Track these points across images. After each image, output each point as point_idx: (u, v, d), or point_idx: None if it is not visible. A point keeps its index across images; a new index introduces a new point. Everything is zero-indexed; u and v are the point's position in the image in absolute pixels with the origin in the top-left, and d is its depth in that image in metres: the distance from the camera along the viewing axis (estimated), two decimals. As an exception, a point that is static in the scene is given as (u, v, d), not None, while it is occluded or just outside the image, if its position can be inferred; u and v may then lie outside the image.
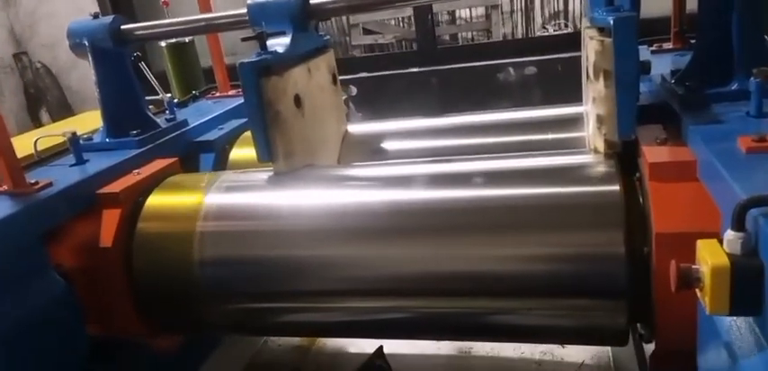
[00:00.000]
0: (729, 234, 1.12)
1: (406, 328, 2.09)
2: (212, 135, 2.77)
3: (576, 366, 2.52)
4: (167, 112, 2.85)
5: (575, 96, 2.51)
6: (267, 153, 2.10)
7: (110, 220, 2.10)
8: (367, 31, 8.92)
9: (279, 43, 2.22)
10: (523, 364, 2.60)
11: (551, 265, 1.77)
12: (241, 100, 3.20)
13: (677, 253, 1.22)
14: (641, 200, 1.73)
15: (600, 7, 1.84)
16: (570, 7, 9.60)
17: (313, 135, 2.37)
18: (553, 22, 9.76)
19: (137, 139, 2.47)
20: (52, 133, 2.57)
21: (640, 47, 1.90)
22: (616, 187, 1.74)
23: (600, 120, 1.86)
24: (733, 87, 1.87)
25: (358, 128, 2.80)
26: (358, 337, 2.64)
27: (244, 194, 2.18)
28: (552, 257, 1.77)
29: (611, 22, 1.67)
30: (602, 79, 1.80)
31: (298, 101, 2.23)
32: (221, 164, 2.72)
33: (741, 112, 1.70)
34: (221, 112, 3.03)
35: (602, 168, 1.84)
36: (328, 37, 2.66)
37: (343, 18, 8.33)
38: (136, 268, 2.09)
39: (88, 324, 2.05)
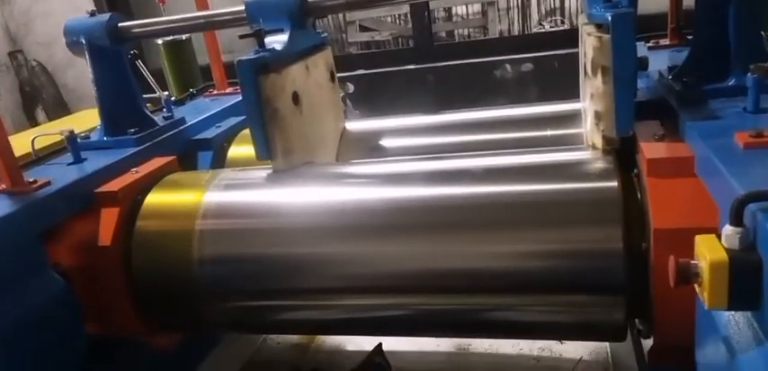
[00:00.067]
0: (727, 229, 1.13)
1: (405, 325, 2.09)
2: (210, 133, 2.77)
3: (575, 362, 2.53)
4: (165, 110, 2.84)
5: (571, 93, 2.51)
6: (266, 151, 2.10)
7: (108, 218, 2.10)
8: (363, 29, 8.91)
9: (277, 41, 2.21)
10: (522, 360, 2.61)
11: (550, 261, 1.78)
12: (239, 98, 3.21)
13: (675, 249, 1.22)
14: (639, 196, 1.73)
15: (598, 3, 1.84)
16: (566, 4, 9.60)
17: (311, 133, 2.36)
18: (549, 19, 9.76)
19: (134, 137, 2.46)
20: (50, 132, 2.56)
21: (637, 43, 1.90)
22: (614, 183, 1.75)
23: (598, 116, 1.87)
24: (730, 83, 1.87)
25: (356, 125, 2.80)
26: (357, 334, 2.65)
27: (242, 191, 2.17)
28: (550, 253, 1.77)
29: (609, 18, 1.67)
30: (599, 75, 1.80)
31: (296, 98, 2.23)
32: (219, 162, 2.71)
33: (738, 107, 1.71)
34: (219, 109, 3.02)
35: (600, 165, 1.84)
36: (326, 34, 2.66)
37: (340, 15, 8.32)
38: (135, 267, 2.09)
39: (87, 323, 2.05)
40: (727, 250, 1.11)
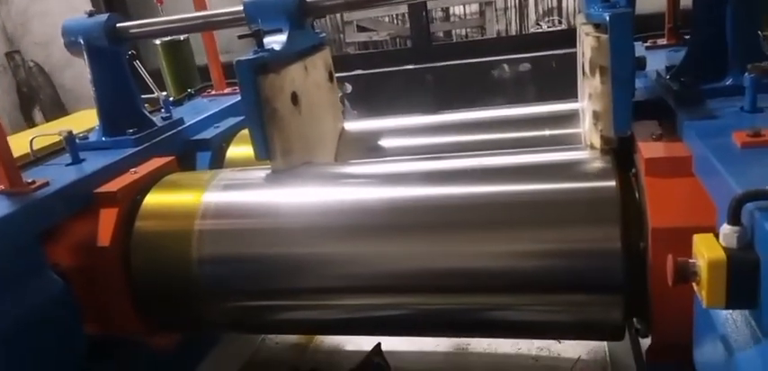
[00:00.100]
0: (725, 228, 1.13)
1: (404, 324, 2.10)
2: (209, 133, 2.77)
3: (573, 362, 2.54)
4: (163, 110, 2.84)
5: (569, 93, 2.52)
6: (265, 151, 2.10)
7: (107, 219, 2.10)
8: (361, 29, 8.91)
9: (275, 41, 2.21)
10: (520, 360, 2.62)
11: (548, 260, 1.78)
12: (237, 98, 3.21)
13: (673, 248, 1.23)
14: (637, 196, 1.74)
15: (596, 3, 1.85)
16: (564, 4, 9.62)
17: (310, 133, 2.37)
18: (547, 19, 9.78)
19: (133, 137, 2.46)
20: (48, 132, 2.56)
21: (635, 43, 1.91)
22: (612, 183, 1.75)
23: (596, 116, 1.88)
24: (727, 83, 1.88)
25: (354, 125, 2.81)
26: (356, 334, 2.65)
27: (242, 192, 2.18)
28: (549, 253, 1.78)
29: (608, 18, 1.68)
30: (598, 75, 1.81)
31: (295, 98, 2.24)
32: (218, 162, 2.71)
33: (736, 107, 1.71)
34: (217, 110, 3.02)
35: (598, 164, 1.85)
36: (324, 34, 2.67)
37: (337, 15, 8.32)
38: (134, 267, 2.09)
39: (86, 323, 2.05)
40: (725, 249, 1.12)
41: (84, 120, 3.62)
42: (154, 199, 2.19)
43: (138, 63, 3.10)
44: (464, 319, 1.97)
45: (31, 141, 2.41)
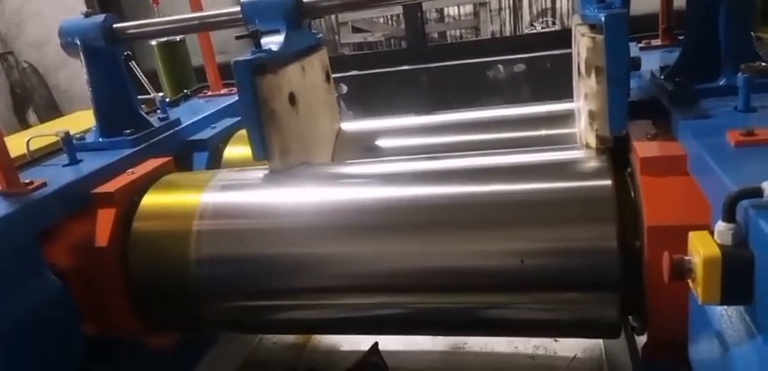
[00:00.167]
0: (720, 225, 1.15)
1: (402, 323, 2.11)
2: (205, 134, 2.77)
3: (569, 360, 2.56)
4: (160, 111, 2.84)
5: (564, 93, 2.54)
6: (263, 151, 2.11)
7: (105, 219, 2.10)
8: (356, 30, 8.93)
9: (273, 41, 2.22)
10: (517, 358, 2.64)
11: (545, 259, 1.79)
12: (233, 99, 3.22)
13: (669, 246, 1.24)
14: (633, 194, 1.75)
15: (591, 4, 1.87)
16: (558, 5, 9.67)
17: (308, 133, 2.38)
18: (541, 20, 9.82)
19: (130, 138, 2.46)
20: (45, 133, 2.55)
21: (629, 44, 1.93)
22: (608, 182, 1.77)
23: (592, 115, 1.89)
24: (721, 83, 1.90)
25: (351, 126, 2.82)
26: (354, 333, 2.66)
27: (240, 192, 2.18)
28: (546, 251, 1.79)
29: (603, 18, 1.70)
30: (593, 75, 1.83)
31: (292, 99, 2.24)
32: (215, 163, 2.72)
33: (729, 107, 1.74)
34: (214, 110, 3.03)
35: (594, 164, 1.87)
36: (321, 35, 2.68)
37: (332, 16, 8.33)
38: (132, 267, 2.09)
39: (84, 323, 2.05)
40: (720, 246, 1.13)
41: (80, 121, 3.61)
42: (151, 199, 2.19)
43: (133, 64, 3.09)
44: (461, 317, 1.98)
45: (28, 142, 2.41)
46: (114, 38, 2.49)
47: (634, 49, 2.81)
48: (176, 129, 2.72)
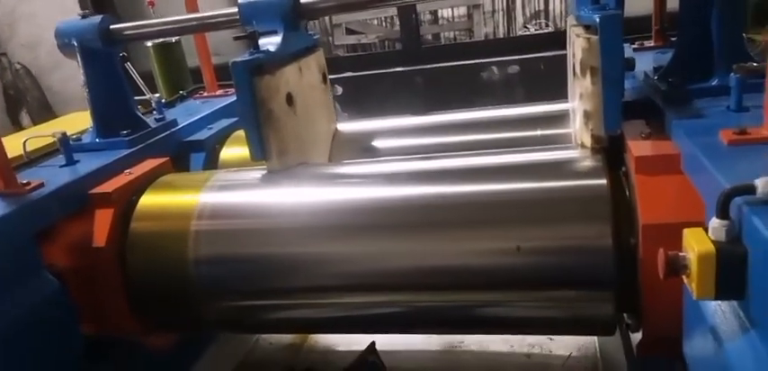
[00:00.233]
0: (714, 222, 1.17)
1: (400, 322, 2.12)
2: (202, 135, 2.78)
3: (565, 358, 2.58)
4: (156, 112, 2.84)
5: (558, 94, 2.57)
6: (260, 151, 2.12)
7: (102, 219, 2.10)
8: (350, 31, 8.95)
9: (270, 42, 2.23)
10: (513, 357, 2.66)
11: (541, 258, 1.81)
12: (229, 100, 3.23)
13: (663, 243, 1.26)
14: (627, 193, 1.78)
15: (586, 6, 1.89)
16: (551, 7, 9.72)
17: (305, 133, 2.39)
18: (534, 22, 9.88)
19: (127, 139, 2.47)
20: (42, 134, 2.55)
21: (623, 45, 1.95)
22: (603, 181, 1.79)
23: (587, 115, 1.91)
24: (714, 83, 1.93)
25: (348, 126, 2.83)
26: (353, 332, 2.67)
27: (238, 192, 2.19)
28: (542, 250, 1.81)
29: (598, 19, 1.72)
30: (588, 76, 1.85)
31: (290, 99, 2.26)
32: (211, 163, 2.72)
33: (722, 106, 1.76)
34: (210, 111, 3.03)
35: (589, 163, 1.89)
36: (318, 36, 2.69)
37: (326, 18, 8.35)
38: (130, 267, 2.09)
39: (82, 323, 2.05)
40: (714, 242, 1.15)
41: (76, 122, 3.60)
42: (149, 200, 2.20)
43: (129, 65, 3.10)
44: (458, 316, 2.00)
45: (25, 143, 2.41)
46: (111, 39, 2.50)
47: (628, 51, 2.84)
48: (173, 130, 2.72)
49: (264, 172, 2.18)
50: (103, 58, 2.53)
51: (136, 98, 2.83)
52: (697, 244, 1.16)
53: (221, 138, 2.82)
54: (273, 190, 2.13)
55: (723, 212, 1.17)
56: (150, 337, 2.24)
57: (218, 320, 2.18)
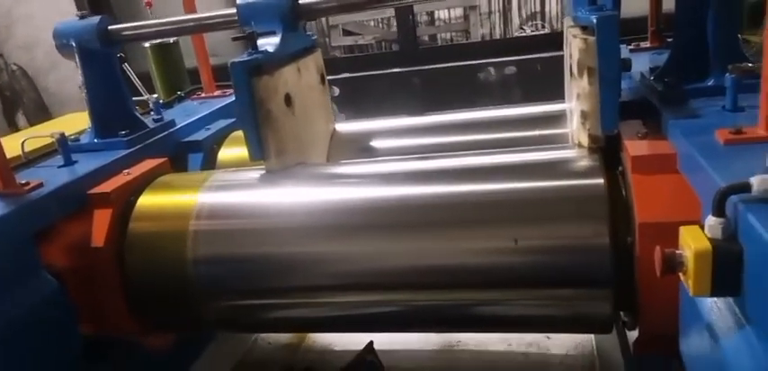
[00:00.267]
0: (710, 220, 1.19)
1: (397, 321, 2.13)
2: (200, 135, 2.78)
3: (562, 356, 2.59)
4: (154, 112, 2.85)
5: (554, 95, 2.58)
6: (259, 152, 2.13)
7: (101, 220, 2.10)
8: (347, 32, 8.97)
9: (269, 43, 2.24)
10: (510, 356, 2.67)
11: (539, 256, 1.82)
12: (227, 100, 3.23)
13: (660, 241, 1.27)
14: (624, 192, 1.79)
15: (583, 7, 1.91)
16: (547, 9, 9.76)
17: (303, 134, 2.40)
18: (530, 23, 9.91)
19: (125, 139, 2.47)
20: (40, 135, 2.55)
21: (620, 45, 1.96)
22: (600, 180, 1.80)
23: (584, 115, 1.93)
24: (709, 83, 1.95)
25: (346, 127, 2.84)
26: (351, 331, 2.68)
27: (236, 192, 2.19)
28: (539, 249, 1.82)
29: (595, 20, 1.74)
30: (585, 76, 1.86)
31: (288, 100, 2.26)
32: (210, 164, 2.73)
33: (717, 106, 1.78)
34: (208, 112, 3.04)
35: (586, 163, 1.90)
36: (316, 37, 2.70)
37: (323, 19, 8.36)
38: (128, 268, 2.10)
39: (81, 323, 2.05)
40: (711, 240, 1.17)
41: (73, 123, 3.60)
42: (148, 200, 2.20)
43: (126, 66, 3.10)
44: (456, 315, 2.01)
45: (23, 143, 2.40)
46: (110, 40, 2.50)
47: (624, 51, 2.85)
48: (171, 130, 2.73)
49: (263, 172, 2.19)
50: (102, 59, 2.54)
51: (134, 99, 2.83)
52: (693, 242, 1.17)
53: (219, 138, 2.82)
54: (272, 190, 2.14)
55: (719, 210, 1.18)
56: (149, 337, 2.25)
57: (217, 319, 2.18)
